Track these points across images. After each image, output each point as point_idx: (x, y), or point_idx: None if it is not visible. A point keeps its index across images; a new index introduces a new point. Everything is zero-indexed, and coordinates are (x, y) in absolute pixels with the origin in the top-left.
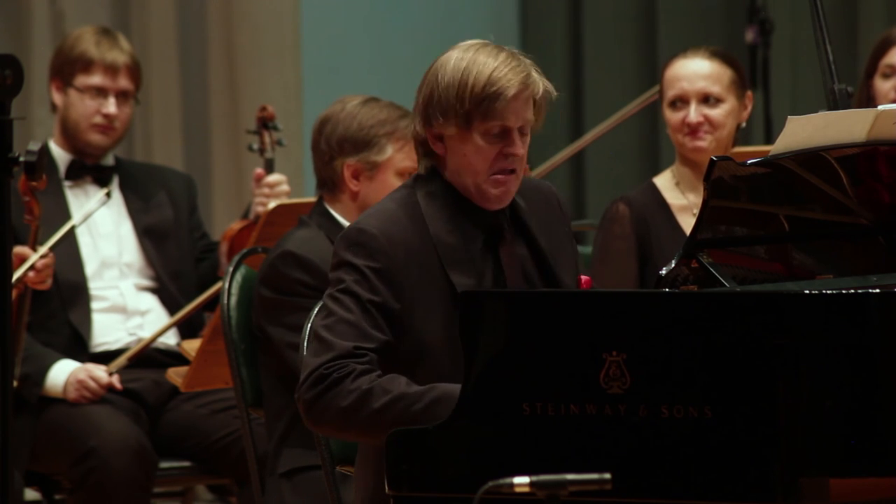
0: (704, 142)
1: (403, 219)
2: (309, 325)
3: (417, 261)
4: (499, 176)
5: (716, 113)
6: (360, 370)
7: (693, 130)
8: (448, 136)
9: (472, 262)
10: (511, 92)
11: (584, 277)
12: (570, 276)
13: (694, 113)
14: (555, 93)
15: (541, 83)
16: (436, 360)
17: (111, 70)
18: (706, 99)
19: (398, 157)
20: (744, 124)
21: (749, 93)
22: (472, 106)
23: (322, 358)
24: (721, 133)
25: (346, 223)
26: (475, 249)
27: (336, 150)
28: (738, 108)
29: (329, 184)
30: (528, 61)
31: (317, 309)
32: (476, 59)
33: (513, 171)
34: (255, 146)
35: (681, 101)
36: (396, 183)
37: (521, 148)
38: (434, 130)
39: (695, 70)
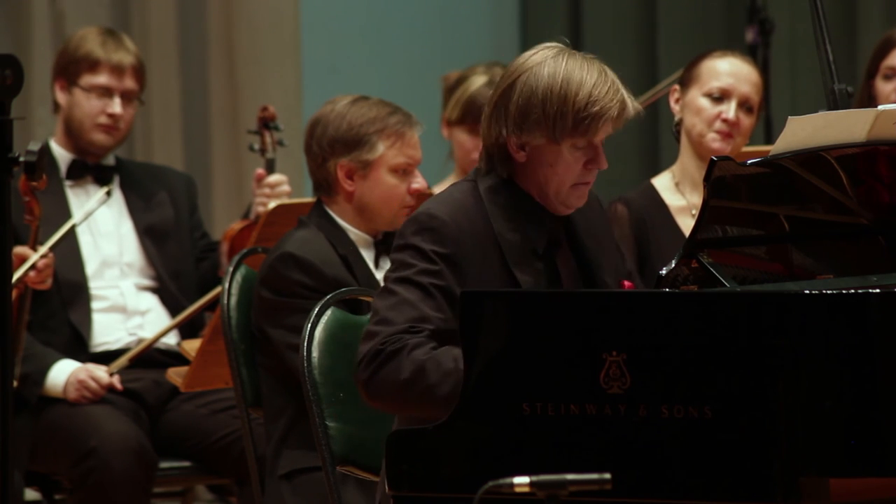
0: (729, 146)
1: (471, 210)
2: (307, 325)
3: (481, 253)
4: (581, 186)
5: (748, 121)
6: (415, 343)
7: (729, 127)
8: (534, 145)
9: (533, 262)
10: (613, 113)
11: (626, 283)
12: (611, 276)
13: (734, 112)
14: (641, 110)
15: (631, 104)
16: None
17: (117, 70)
18: (744, 104)
19: (390, 154)
20: None
21: None
22: (574, 122)
23: (377, 338)
24: (742, 141)
25: (344, 224)
26: (535, 250)
27: (328, 152)
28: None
29: (324, 185)
30: (614, 76)
31: (378, 292)
32: (572, 72)
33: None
34: (256, 146)
35: (723, 96)
36: (391, 180)
37: (605, 162)
38: (519, 139)
39: (746, 74)
